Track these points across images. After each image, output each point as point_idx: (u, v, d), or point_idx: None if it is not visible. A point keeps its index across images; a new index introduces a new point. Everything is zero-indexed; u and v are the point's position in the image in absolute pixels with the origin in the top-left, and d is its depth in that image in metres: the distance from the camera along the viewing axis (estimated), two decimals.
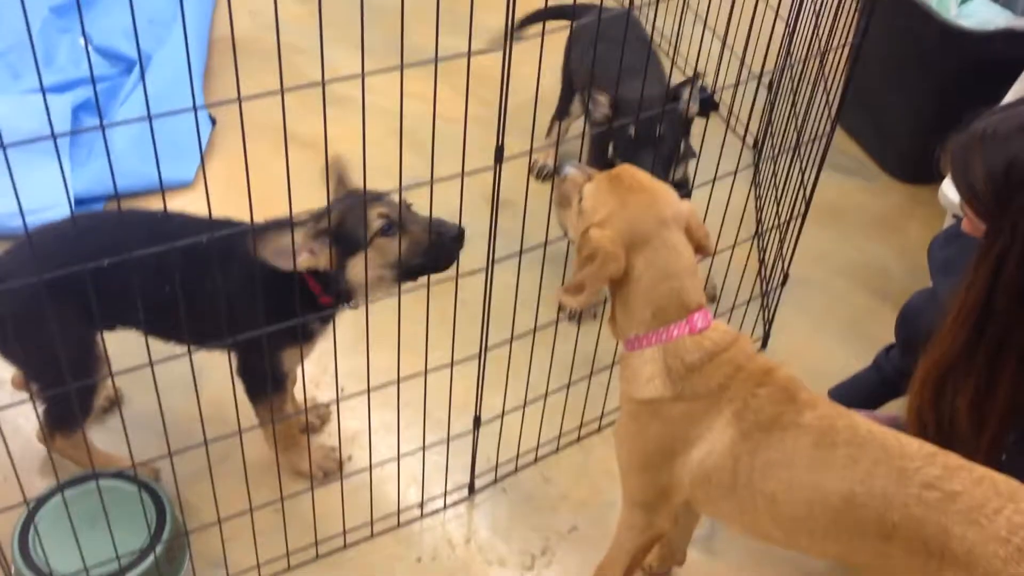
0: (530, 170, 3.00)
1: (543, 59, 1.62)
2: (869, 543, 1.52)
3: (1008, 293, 1.59)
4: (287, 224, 1.66)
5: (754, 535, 1.71)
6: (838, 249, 2.97)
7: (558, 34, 1.60)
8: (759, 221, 2.85)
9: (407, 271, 1.86)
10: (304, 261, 1.79)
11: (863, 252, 2.99)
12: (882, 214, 3.14)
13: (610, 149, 2.49)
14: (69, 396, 1.72)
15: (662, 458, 1.69)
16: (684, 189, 2.42)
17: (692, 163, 2.51)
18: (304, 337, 1.92)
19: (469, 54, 1.50)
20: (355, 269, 1.81)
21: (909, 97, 3.10)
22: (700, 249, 1.69)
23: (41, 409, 1.95)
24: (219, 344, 1.90)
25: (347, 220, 1.80)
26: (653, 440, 1.69)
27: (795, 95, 2.72)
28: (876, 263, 2.96)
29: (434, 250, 1.84)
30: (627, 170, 1.71)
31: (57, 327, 1.60)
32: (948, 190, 2.90)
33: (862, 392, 2.29)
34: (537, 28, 1.57)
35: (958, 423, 1.72)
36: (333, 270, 1.82)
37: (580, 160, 2.33)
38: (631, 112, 2.21)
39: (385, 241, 1.81)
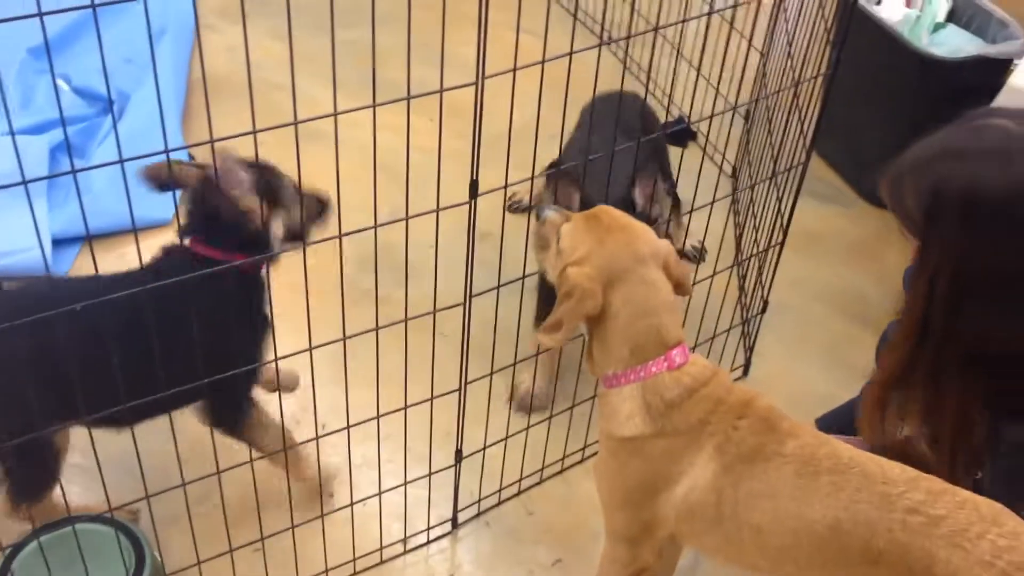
0: (505, 202, 2.98)
1: (515, 91, 1.63)
2: (855, 570, 1.52)
3: (942, 309, 1.62)
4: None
5: (740, 566, 1.70)
6: (816, 275, 2.99)
7: (532, 68, 1.61)
8: (738, 249, 2.87)
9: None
10: (251, 202, 1.83)
11: (841, 278, 3.01)
12: (860, 240, 3.16)
13: None
14: (30, 468, 1.69)
15: (644, 495, 1.68)
16: (660, 224, 2.40)
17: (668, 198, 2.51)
18: (263, 326, 1.96)
19: (441, 89, 1.50)
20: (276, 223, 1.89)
21: (883, 124, 3.13)
22: (679, 288, 1.69)
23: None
24: (195, 393, 1.78)
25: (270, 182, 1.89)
26: (634, 477, 1.69)
27: (770, 124, 2.74)
28: (854, 289, 2.97)
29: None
30: (605, 210, 1.72)
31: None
32: None
33: (848, 420, 2.29)
34: (508, 63, 1.58)
35: (910, 444, 1.74)
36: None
37: None
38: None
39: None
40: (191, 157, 3.04)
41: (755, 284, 2.56)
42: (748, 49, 2.59)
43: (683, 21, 1.99)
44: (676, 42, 2.22)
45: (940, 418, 1.70)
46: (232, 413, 1.99)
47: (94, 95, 3.29)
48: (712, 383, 1.64)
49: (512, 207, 3.03)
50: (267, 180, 1.89)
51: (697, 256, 2.87)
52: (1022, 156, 1.56)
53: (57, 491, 1.72)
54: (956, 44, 3.02)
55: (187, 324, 1.61)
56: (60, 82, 3.32)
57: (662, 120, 3.16)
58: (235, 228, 1.85)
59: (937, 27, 3.09)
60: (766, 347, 2.67)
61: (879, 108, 3.13)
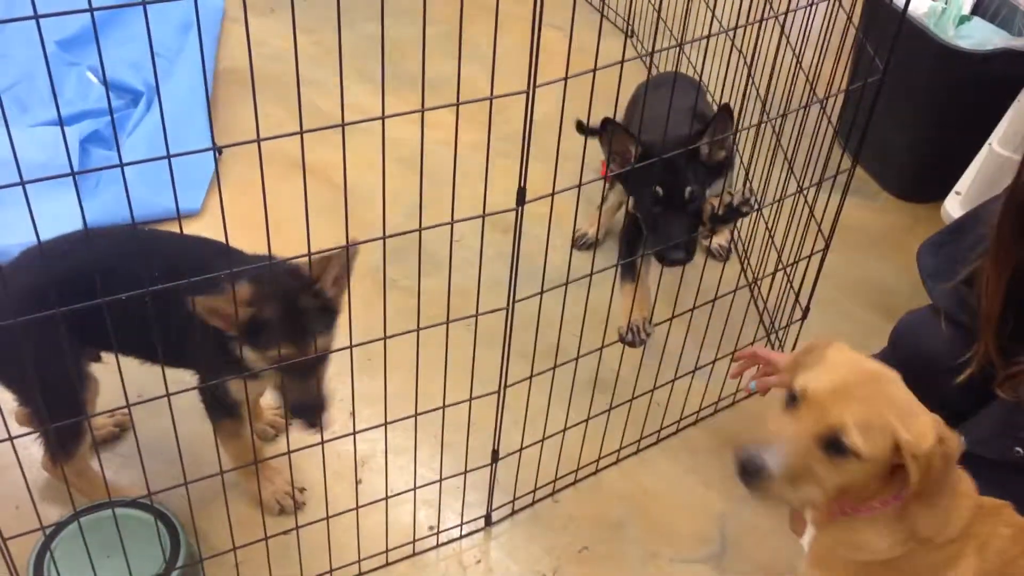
0: (573, 242, 2.88)
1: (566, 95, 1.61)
2: None
3: None
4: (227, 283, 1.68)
5: None
6: (841, 268, 2.98)
7: (584, 77, 1.61)
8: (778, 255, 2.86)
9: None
10: (215, 320, 1.79)
11: (865, 270, 3.01)
12: (883, 232, 3.16)
13: (630, 202, 2.41)
14: (58, 417, 1.76)
15: None
16: (741, 211, 2.35)
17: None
18: (242, 371, 1.92)
19: (492, 96, 1.50)
20: (244, 351, 1.82)
21: (908, 116, 3.13)
22: None
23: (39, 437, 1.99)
24: (181, 366, 1.95)
25: (262, 313, 1.79)
26: None
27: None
28: (879, 281, 2.98)
29: (292, 410, 1.88)
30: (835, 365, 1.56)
31: (41, 352, 1.65)
32: (950, 207, 2.94)
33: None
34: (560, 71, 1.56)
35: None
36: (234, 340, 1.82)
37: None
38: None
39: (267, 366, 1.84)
40: (219, 152, 3.09)
41: (788, 290, 2.55)
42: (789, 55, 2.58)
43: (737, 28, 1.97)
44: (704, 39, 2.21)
45: None
46: (211, 402, 2.04)
47: (122, 87, 3.32)
48: (964, 482, 1.59)
49: (580, 244, 2.94)
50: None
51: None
52: None
53: (96, 466, 1.76)
54: (982, 37, 3.01)
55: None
56: (89, 74, 3.36)
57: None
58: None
59: (962, 20, 3.09)
60: (794, 335, 2.67)
61: (904, 101, 3.13)
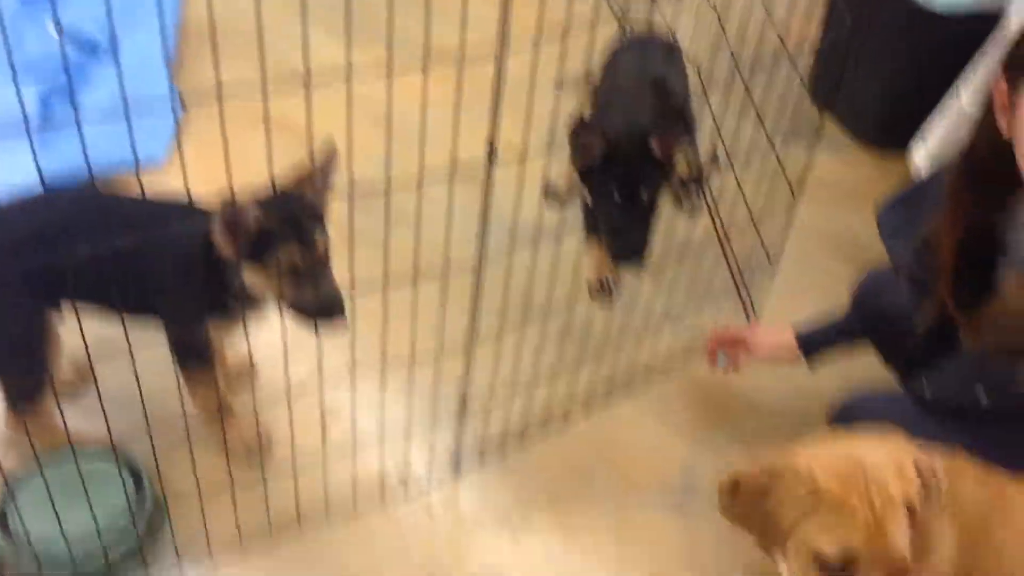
0: (544, 191, 2.80)
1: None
2: None
3: None
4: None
5: None
6: (809, 219, 2.98)
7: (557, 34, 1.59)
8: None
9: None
10: (227, 243, 1.79)
11: (837, 223, 3.01)
12: (855, 185, 3.16)
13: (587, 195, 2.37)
14: (19, 369, 1.78)
15: None
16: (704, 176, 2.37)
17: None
18: (221, 313, 1.95)
19: (463, 55, 1.48)
20: (247, 275, 1.83)
21: (878, 73, 3.13)
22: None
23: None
24: (149, 316, 1.97)
25: (269, 222, 1.78)
26: None
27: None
28: (851, 234, 2.98)
29: (313, 314, 1.85)
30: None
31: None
32: (916, 155, 2.95)
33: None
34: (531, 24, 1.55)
35: None
36: (234, 261, 1.82)
37: None
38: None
39: (277, 274, 1.81)
40: (183, 104, 3.05)
41: (758, 243, 2.56)
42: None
43: None
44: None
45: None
46: (183, 350, 2.03)
47: (83, 40, 3.28)
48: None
49: (550, 195, 2.81)
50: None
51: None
52: None
53: (58, 417, 1.76)
54: None
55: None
56: (50, 26, 3.31)
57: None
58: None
59: None
60: (764, 293, 2.68)
61: (873, 56, 3.12)
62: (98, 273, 1.84)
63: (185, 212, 1.94)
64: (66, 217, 1.91)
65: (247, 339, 1.84)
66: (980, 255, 1.82)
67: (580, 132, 2.20)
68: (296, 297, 1.84)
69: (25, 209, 1.95)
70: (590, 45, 1.73)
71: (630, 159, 2.21)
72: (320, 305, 1.84)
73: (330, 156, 1.85)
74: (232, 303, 1.92)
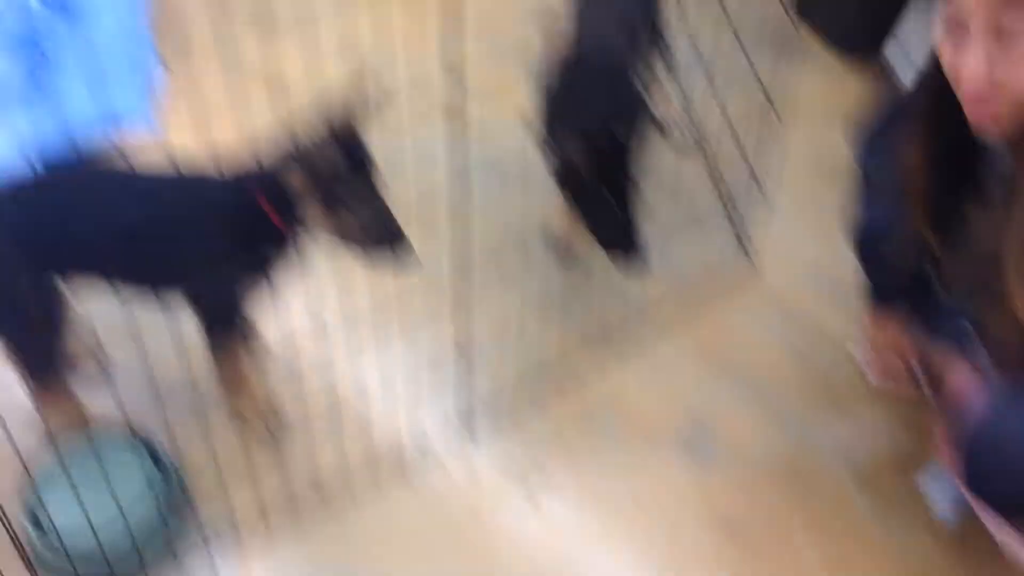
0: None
1: None
2: None
3: None
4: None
5: None
6: (796, 139, 2.95)
7: None
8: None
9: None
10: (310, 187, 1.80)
11: (822, 141, 2.97)
12: (837, 100, 3.11)
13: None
14: (34, 344, 1.81)
15: None
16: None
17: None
18: (259, 266, 1.94)
19: None
20: (317, 219, 1.84)
21: None
22: None
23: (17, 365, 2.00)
24: (174, 287, 1.96)
25: (323, 162, 1.79)
26: None
27: None
28: (835, 152, 2.95)
29: (386, 243, 1.88)
30: None
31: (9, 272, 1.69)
32: (889, 52, 2.95)
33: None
34: None
35: None
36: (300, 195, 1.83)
37: None
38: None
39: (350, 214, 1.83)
40: (164, 62, 3.00)
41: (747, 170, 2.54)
42: None
43: None
44: None
45: None
46: (213, 318, 2.03)
47: (58, 4, 3.21)
48: None
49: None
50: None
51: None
52: None
53: (77, 395, 1.78)
54: None
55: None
56: None
57: None
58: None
59: None
60: (757, 219, 2.69)
61: None
62: (121, 247, 1.82)
63: (201, 181, 1.90)
64: (81, 192, 1.88)
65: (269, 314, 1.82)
66: (952, 181, 1.80)
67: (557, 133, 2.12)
68: (365, 233, 1.86)
69: (39, 186, 1.91)
70: None
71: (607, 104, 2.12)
72: (392, 234, 1.87)
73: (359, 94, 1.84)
74: (264, 266, 1.93)
